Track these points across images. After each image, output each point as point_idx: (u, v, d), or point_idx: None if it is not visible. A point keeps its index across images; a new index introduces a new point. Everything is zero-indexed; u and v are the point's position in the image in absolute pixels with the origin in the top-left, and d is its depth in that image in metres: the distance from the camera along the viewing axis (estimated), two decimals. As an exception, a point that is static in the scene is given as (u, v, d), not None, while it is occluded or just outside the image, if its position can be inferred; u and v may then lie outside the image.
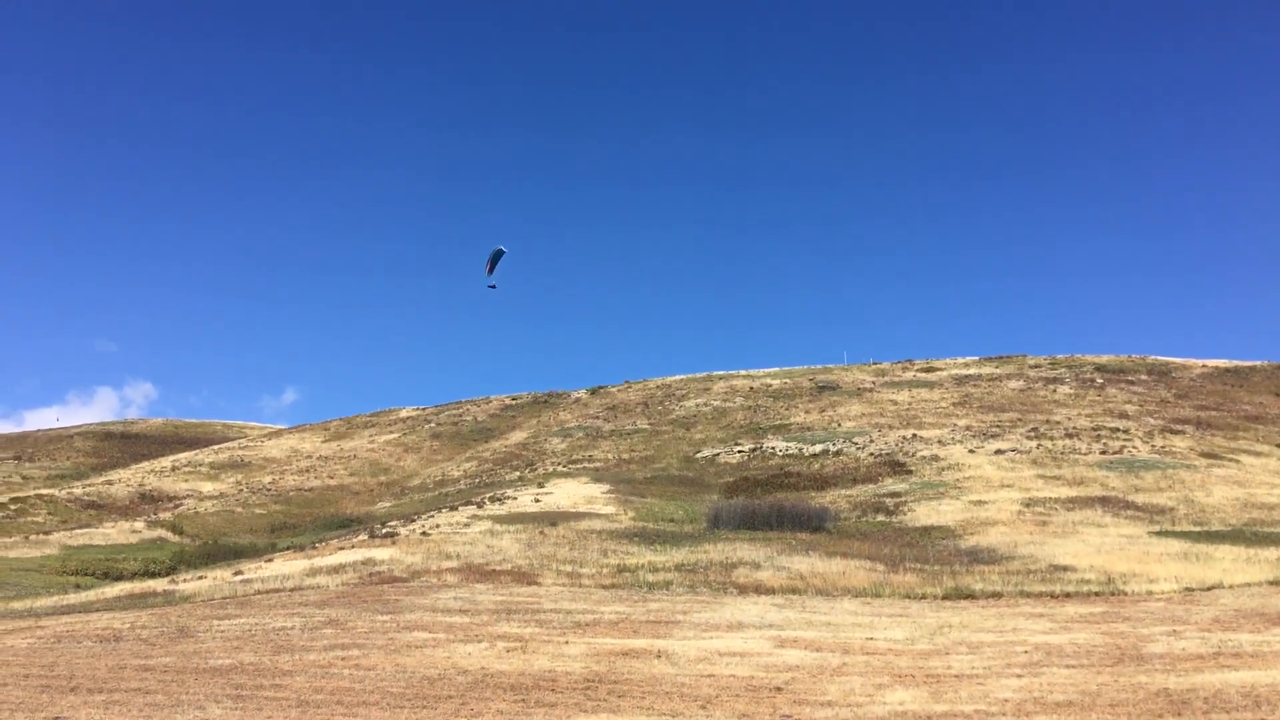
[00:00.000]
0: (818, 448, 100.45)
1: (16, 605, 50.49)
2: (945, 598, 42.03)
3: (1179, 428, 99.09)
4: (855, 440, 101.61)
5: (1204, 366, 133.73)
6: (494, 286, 63.91)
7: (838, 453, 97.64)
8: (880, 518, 71.38)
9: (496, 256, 61.47)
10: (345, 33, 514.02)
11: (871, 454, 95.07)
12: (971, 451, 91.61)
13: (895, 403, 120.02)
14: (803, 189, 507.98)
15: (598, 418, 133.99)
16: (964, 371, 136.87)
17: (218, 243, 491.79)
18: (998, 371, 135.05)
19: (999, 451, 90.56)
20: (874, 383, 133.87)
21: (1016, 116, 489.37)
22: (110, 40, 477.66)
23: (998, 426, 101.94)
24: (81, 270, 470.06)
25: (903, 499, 76.27)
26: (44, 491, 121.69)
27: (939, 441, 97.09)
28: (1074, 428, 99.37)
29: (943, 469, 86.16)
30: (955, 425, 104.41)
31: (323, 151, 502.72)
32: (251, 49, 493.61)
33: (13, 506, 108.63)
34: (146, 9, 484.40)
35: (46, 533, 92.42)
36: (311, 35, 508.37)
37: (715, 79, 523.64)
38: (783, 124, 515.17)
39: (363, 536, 67.59)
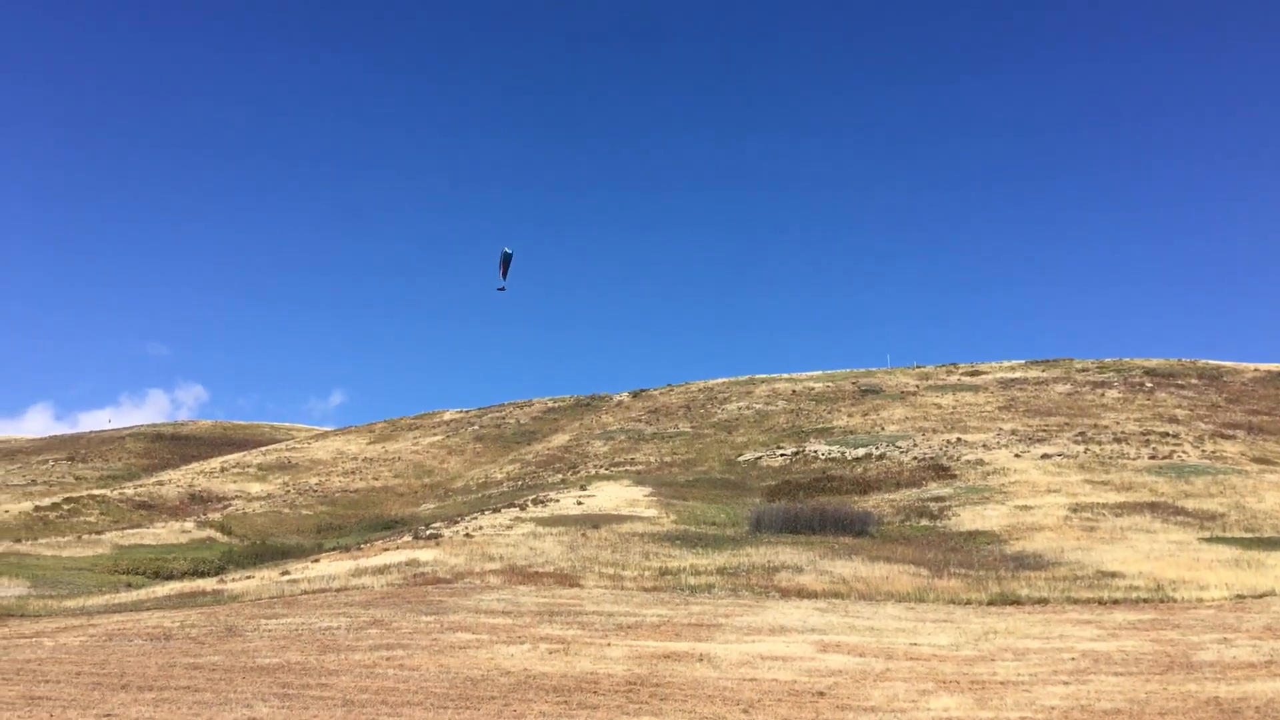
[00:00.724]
0: (860, 451, 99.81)
1: (69, 603, 51.43)
2: (990, 604, 41.62)
3: (1230, 432, 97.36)
4: (898, 444, 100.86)
5: (1256, 370, 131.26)
6: (503, 289, 63.67)
7: (880, 456, 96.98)
8: (924, 522, 70.82)
9: (506, 259, 61.54)
10: (387, 39, 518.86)
11: (915, 458, 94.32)
12: (1017, 456, 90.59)
13: (939, 406, 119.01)
14: (845, 191, 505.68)
15: (640, 420, 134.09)
16: (1009, 375, 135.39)
17: (267, 248, 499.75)
18: (1044, 375, 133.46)
19: (1045, 456, 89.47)
20: (917, 386, 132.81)
21: (1064, 116, 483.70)
22: (146, 43, 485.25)
23: (1044, 431, 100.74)
24: (133, 275, 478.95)
25: (947, 503, 75.61)
26: (96, 492, 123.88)
27: (984, 445, 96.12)
28: (1122, 432, 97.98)
29: (988, 473, 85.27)
30: (1000, 429, 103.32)
31: (367, 156, 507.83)
32: (288, 52, 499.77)
33: (66, 506, 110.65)
34: (186, 11, 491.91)
35: (99, 532, 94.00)
36: (353, 39, 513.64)
37: (744, 80, 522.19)
38: (822, 125, 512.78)
39: (407, 538, 68.15)
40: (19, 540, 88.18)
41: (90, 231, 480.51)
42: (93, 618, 42.79)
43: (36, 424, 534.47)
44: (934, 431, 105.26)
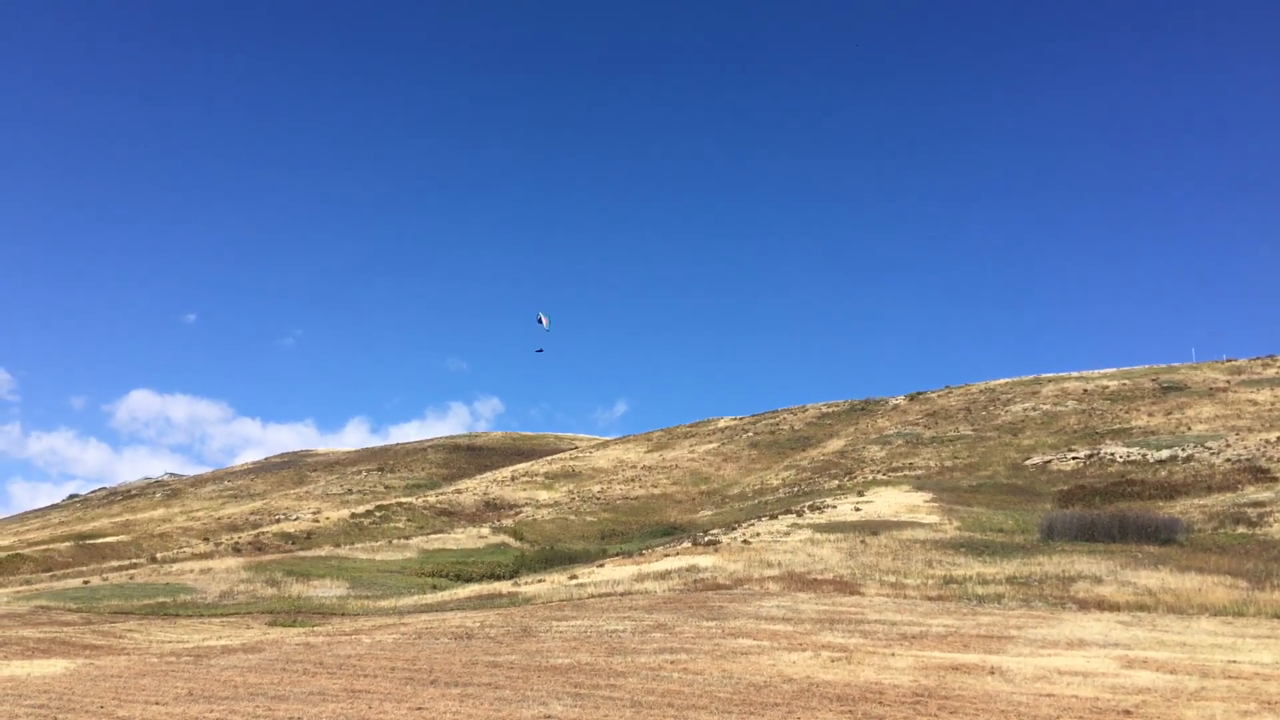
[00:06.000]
0: (1164, 453, 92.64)
1: (383, 603, 55.91)
2: (1324, 620, 37.47)
3: None
4: (1208, 445, 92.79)
5: None
6: (541, 350, 65.75)
7: (1187, 459, 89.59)
8: (1241, 529, 64.75)
9: (543, 324, 62.48)
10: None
11: (1228, 460, 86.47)
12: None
13: (1255, 403, 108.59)
14: (1134, 191, 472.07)
15: (917, 424, 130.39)
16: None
17: (557, 271, 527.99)
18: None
19: (1387, 455, 79.75)
20: (1228, 381, 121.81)
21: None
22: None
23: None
24: (438, 297, 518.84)
25: (1268, 509, 68.78)
26: (403, 500, 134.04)
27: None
28: None
29: (1316, 475, 76.94)
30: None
31: (661, 178, 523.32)
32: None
33: (378, 513, 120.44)
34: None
35: (406, 538, 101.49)
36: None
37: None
38: (1135, 123, 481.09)
39: (686, 544, 69.36)
40: (338, 545, 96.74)
41: (400, 261, 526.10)
42: (403, 617, 46.29)
43: (355, 437, 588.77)
44: (1249, 430, 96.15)
